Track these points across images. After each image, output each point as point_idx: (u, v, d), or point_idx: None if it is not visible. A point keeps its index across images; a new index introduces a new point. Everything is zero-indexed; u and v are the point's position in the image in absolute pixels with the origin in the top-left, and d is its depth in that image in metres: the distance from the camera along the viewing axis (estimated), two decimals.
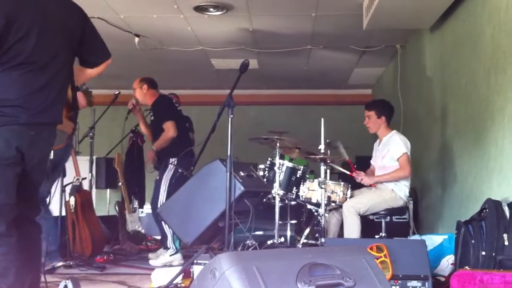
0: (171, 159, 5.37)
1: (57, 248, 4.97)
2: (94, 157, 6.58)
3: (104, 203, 8.98)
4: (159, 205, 5.25)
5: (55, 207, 5.08)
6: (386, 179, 5.06)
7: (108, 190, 8.97)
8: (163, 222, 5.15)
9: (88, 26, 2.86)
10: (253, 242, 4.60)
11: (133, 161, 7.59)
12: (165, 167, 5.41)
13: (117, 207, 6.43)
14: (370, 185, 5.09)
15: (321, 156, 5.10)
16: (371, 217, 5.15)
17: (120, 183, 6.53)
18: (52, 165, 4.32)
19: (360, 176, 5.13)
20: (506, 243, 3.48)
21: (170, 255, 5.21)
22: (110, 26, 6.35)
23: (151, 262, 5.25)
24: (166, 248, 5.26)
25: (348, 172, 5.31)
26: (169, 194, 5.22)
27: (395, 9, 5.11)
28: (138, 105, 5.71)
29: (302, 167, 5.33)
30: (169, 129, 5.37)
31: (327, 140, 5.25)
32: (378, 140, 5.35)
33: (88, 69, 2.93)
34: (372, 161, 5.43)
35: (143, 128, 5.84)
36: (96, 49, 2.92)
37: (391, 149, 5.06)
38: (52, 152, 3.91)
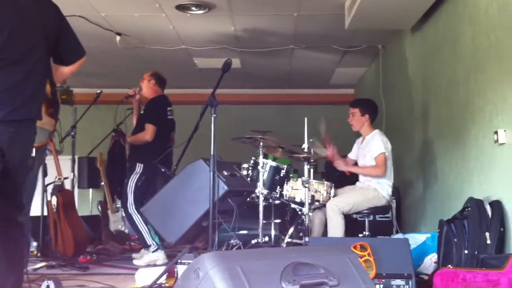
0: (138, 164, 5.35)
1: None
2: (76, 157, 6.53)
3: (87, 203, 8.93)
4: (128, 207, 5.26)
5: (36, 207, 5.03)
6: (360, 172, 5.20)
7: (91, 189, 8.91)
8: (135, 221, 5.18)
9: (64, 23, 2.85)
10: (237, 242, 4.61)
11: (116, 160, 7.54)
12: (131, 171, 5.41)
13: (99, 207, 6.40)
14: (346, 173, 5.19)
15: (305, 155, 5.12)
16: (354, 216, 5.17)
17: (102, 183, 6.50)
18: None
19: (336, 163, 5.22)
20: (488, 241, 3.52)
21: (153, 252, 5.20)
22: (91, 25, 6.31)
23: (135, 262, 5.23)
24: (147, 246, 5.25)
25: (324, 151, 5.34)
26: (135, 197, 5.28)
27: (377, 10, 5.14)
28: (139, 95, 5.71)
29: (285, 166, 5.33)
30: (148, 132, 5.35)
31: (310, 140, 5.26)
32: (361, 138, 5.38)
33: (63, 67, 2.91)
34: (350, 155, 5.47)
35: (134, 121, 5.80)
36: (71, 47, 2.91)
37: (372, 149, 5.10)
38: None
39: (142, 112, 5.63)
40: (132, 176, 5.37)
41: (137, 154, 5.47)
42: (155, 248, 5.21)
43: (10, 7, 2.51)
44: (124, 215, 6.51)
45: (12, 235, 2.51)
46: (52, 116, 2.91)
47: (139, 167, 5.36)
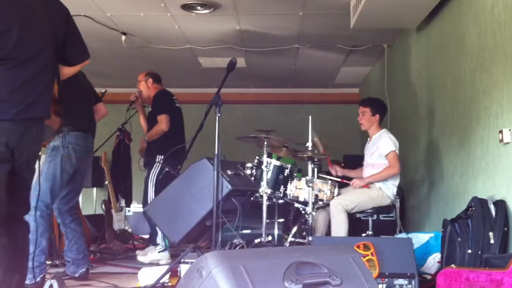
0: (158, 156, 5.37)
1: None
2: None
3: (91, 202, 8.95)
4: (148, 202, 5.26)
5: None
6: (376, 178, 5.06)
7: (95, 189, 8.92)
8: None
9: (71, 24, 2.86)
10: (241, 241, 4.61)
11: (120, 159, 7.56)
12: (152, 163, 5.42)
13: (103, 206, 6.41)
14: (363, 187, 5.09)
15: (309, 155, 5.11)
16: (358, 215, 5.17)
17: (106, 182, 6.51)
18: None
19: (352, 182, 5.13)
20: (492, 241, 3.51)
21: (159, 252, 5.21)
22: (97, 24, 6.32)
23: (139, 258, 5.26)
24: (156, 244, 5.26)
25: (337, 179, 5.31)
26: (156, 190, 5.25)
27: (382, 9, 5.13)
28: (141, 97, 5.76)
29: (289, 165, 5.34)
30: (162, 122, 5.39)
31: (315, 139, 5.26)
32: (368, 139, 5.36)
33: (66, 67, 2.92)
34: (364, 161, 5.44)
35: (142, 122, 5.84)
36: (77, 48, 2.92)
37: (380, 147, 5.08)
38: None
39: (150, 109, 5.67)
40: (153, 169, 5.37)
41: (156, 145, 5.46)
42: (162, 249, 5.23)
43: (17, 7, 2.51)
44: (127, 213, 6.50)
45: (17, 234, 2.53)
46: (58, 115, 2.92)
47: (159, 158, 5.37)
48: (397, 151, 5.04)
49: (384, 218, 5.75)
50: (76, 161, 4.24)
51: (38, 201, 3.98)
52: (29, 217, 3.93)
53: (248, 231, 5.32)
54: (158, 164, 5.36)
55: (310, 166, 5.14)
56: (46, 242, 4.10)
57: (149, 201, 5.25)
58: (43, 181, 4.03)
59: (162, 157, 5.33)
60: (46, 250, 4.13)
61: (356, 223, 5.26)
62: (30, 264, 3.88)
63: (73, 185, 4.40)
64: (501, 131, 3.70)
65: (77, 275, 4.34)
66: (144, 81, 5.71)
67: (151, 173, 5.36)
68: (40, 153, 2.79)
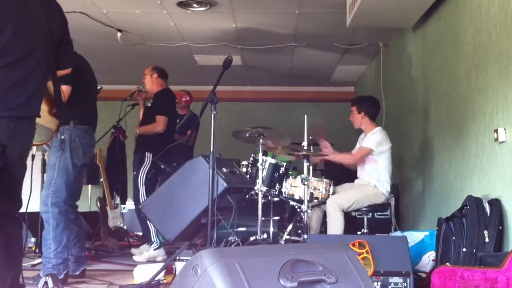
0: (147, 153, 5.35)
1: None
2: None
3: (86, 199, 8.92)
4: (140, 200, 5.25)
5: (36, 203, 5.02)
6: (338, 159, 5.42)
7: (90, 186, 8.92)
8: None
9: (66, 28, 2.88)
10: (236, 239, 4.61)
11: (115, 157, 7.53)
12: (140, 161, 5.40)
13: (98, 203, 6.40)
14: (323, 155, 5.31)
15: (304, 153, 5.11)
16: (353, 213, 5.18)
17: (101, 179, 6.50)
18: None
19: (324, 148, 5.34)
20: (487, 239, 3.52)
21: (154, 249, 5.21)
22: (92, 21, 6.30)
23: (135, 257, 5.24)
24: (150, 242, 5.26)
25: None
26: (147, 188, 5.26)
27: (378, 7, 5.13)
28: (144, 92, 5.75)
29: (285, 163, 5.34)
30: (159, 123, 5.36)
31: (310, 137, 5.26)
32: (363, 134, 5.39)
33: None
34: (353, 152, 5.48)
35: (141, 112, 5.83)
36: (67, 54, 2.95)
37: (365, 140, 5.16)
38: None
39: (149, 104, 5.66)
40: (142, 168, 5.36)
41: (146, 143, 5.45)
42: (157, 246, 5.24)
43: (13, 5, 2.50)
44: (122, 211, 6.47)
45: (10, 231, 2.52)
46: (56, 116, 2.93)
47: (148, 159, 5.36)
48: (375, 151, 5.07)
49: (379, 216, 5.77)
50: (82, 155, 4.18)
51: (55, 197, 3.98)
52: (48, 215, 3.94)
53: (243, 229, 5.32)
54: (148, 162, 5.35)
55: (305, 164, 5.15)
56: (67, 238, 4.06)
57: (141, 200, 5.24)
58: (57, 177, 4.02)
59: (152, 155, 5.32)
60: (68, 246, 4.08)
61: (351, 221, 5.26)
62: (54, 261, 3.89)
63: (80, 180, 4.35)
64: (496, 130, 3.72)
65: (78, 273, 4.30)
66: (150, 75, 5.66)
67: (141, 171, 5.35)
68: (33, 153, 2.79)
